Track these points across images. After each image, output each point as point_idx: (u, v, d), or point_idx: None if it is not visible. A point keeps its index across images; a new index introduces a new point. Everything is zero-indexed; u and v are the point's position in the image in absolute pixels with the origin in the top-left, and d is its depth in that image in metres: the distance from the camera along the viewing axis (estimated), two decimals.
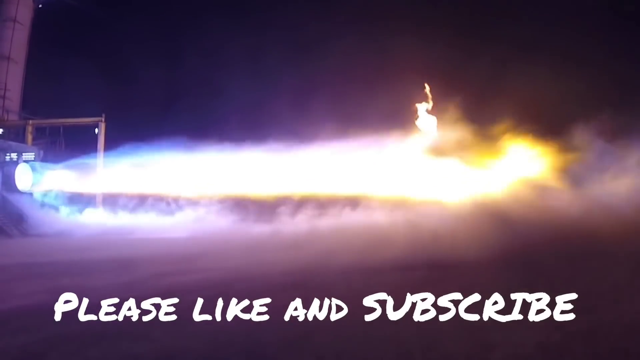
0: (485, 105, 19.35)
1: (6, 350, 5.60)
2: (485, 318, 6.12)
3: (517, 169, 17.10)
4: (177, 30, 33.29)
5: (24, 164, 25.27)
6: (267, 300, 6.46)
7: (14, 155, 25.56)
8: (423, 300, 6.80)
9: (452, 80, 22.49)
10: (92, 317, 6.82)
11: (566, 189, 15.06)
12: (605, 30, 19.91)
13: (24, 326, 6.62)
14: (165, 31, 32.95)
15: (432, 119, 22.92)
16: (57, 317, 6.72)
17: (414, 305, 6.99)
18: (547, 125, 16.54)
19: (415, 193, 19.37)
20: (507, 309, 6.59)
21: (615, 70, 18.87)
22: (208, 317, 6.52)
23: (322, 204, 22.63)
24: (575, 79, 17.85)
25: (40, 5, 31.06)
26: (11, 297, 8.40)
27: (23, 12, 30.08)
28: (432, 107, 23.08)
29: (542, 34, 23.15)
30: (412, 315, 6.44)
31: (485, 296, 7.61)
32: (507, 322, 6.00)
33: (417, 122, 22.99)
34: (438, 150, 20.59)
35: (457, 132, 19.01)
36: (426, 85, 22.81)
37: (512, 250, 11.38)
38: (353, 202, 21.62)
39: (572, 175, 15.48)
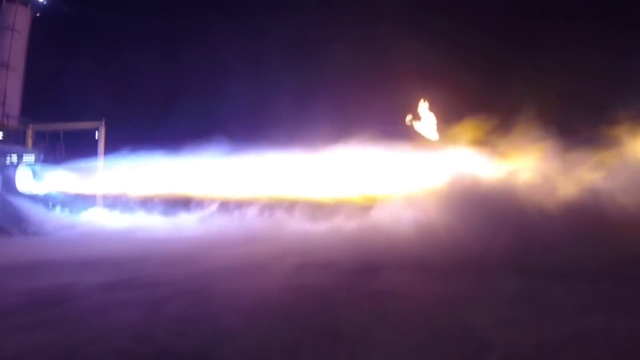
0: (484, 102, 19.52)
1: (5, 348, 5.54)
2: (485, 319, 6.07)
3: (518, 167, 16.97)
4: (174, 35, 33.63)
5: (25, 166, 25.27)
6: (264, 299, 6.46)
7: (14, 158, 25.57)
8: (422, 301, 6.82)
9: (450, 79, 22.66)
10: (91, 315, 6.82)
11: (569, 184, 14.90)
12: (603, 28, 20.19)
13: (22, 324, 6.56)
14: (163, 35, 33.28)
15: (431, 120, 22.99)
16: (56, 315, 6.71)
17: (412, 305, 6.98)
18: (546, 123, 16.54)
19: (415, 191, 19.27)
20: (506, 310, 6.58)
21: (612, 66, 19.03)
22: (206, 314, 6.54)
23: (320, 206, 22.68)
24: (574, 78, 18.05)
25: (37, 14, 31.27)
26: (10, 295, 8.37)
27: (21, 20, 30.26)
28: (430, 108, 23.14)
29: (540, 34, 23.47)
30: (410, 315, 6.40)
31: (485, 296, 7.61)
32: (505, 322, 5.95)
33: (415, 124, 23.07)
34: (435, 148, 20.62)
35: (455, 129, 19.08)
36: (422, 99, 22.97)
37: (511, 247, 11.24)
38: (353, 203, 21.61)
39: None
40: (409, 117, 22.39)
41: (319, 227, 20.11)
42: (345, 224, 19.52)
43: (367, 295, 8.18)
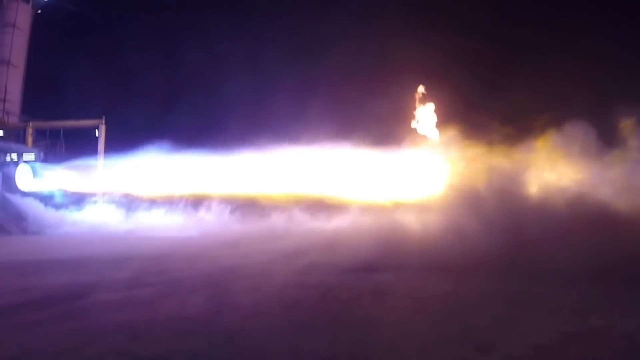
0: (484, 103, 19.48)
1: (4, 347, 5.53)
2: (483, 319, 6.05)
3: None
4: (175, 33, 33.66)
5: (25, 164, 25.37)
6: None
7: (14, 156, 25.67)
8: (420, 301, 6.79)
9: (450, 79, 22.63)
10: (90, 313, 6.83)
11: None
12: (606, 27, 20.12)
13: (22, 323, 6.54)
14: (164, 33, 33.30)
15: (430, 118, 22.96)
16: (55, 313, 6.72)
17: (409, 306, 6.97)
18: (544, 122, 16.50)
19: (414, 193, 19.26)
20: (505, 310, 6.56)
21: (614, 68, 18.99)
22: (205, 314, 6.55)
23: (318, 205, 22.68)
24: (575, 77, 18.01)
25: (39, 11, 31.31)
26: (9, 294, 8.35)
27: (22, 17, 30.35)
28: (429, 106, 23.12)
29: (541, 33, 23.39)
30: (407, 316, 6.38)
31: (483, 296, 7.60)
32: (504, 323, 5.93)
33: (414, 123, 23.04)
34: (436, 149, 20.57)
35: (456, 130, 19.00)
36: (421, 86, 22.91)
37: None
38: (351, 203, 21.59)
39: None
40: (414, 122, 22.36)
41: (327, 225, 20.10)
42: (352, 225, 19.44)
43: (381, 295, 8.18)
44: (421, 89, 23.54)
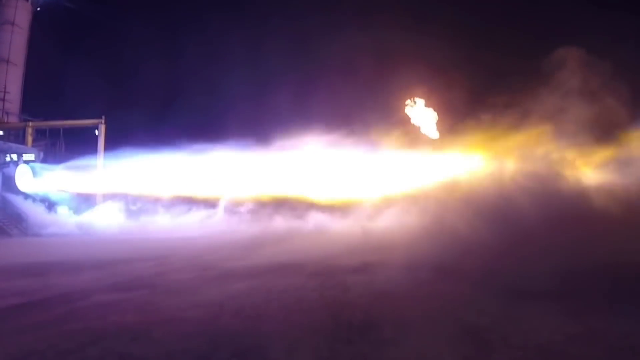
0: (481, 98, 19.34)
1: (5, 349, 5.49)
2: (485, 320, 6.00)
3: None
4: (175, 32, 33.48)
5: (24, 164, 25.25)
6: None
7: (14, 157, 25.56)
8: (419, 301, 6.73)
9: (448, 75, 22.48)
10: (91, 315, 6.78)
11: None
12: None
13: (22, 325, 6.50)
14: (164, 32, 33.13)
15: (428, 115, 22.87)
16: (56, 315, 6.68)
17: (409, 306, 6.90)
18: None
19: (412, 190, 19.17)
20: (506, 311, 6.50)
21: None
22: (207, 315, 6.50)
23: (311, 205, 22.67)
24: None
25: (38, 9, 31.15)
26: (9, 296, 8.31)
27: (21, 15, 30.21)
28: (427, 102, 23.05)
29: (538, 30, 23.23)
30: (408, 316, 6.33)
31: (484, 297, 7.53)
32: (506, 324, 5.89)
33: (410, 117, 22.94)
34: (433, 146, 20.54)
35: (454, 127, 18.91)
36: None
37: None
38: (349, 202, 21.57)
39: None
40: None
41: (326, 228, 20.05)
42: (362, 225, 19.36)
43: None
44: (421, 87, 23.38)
